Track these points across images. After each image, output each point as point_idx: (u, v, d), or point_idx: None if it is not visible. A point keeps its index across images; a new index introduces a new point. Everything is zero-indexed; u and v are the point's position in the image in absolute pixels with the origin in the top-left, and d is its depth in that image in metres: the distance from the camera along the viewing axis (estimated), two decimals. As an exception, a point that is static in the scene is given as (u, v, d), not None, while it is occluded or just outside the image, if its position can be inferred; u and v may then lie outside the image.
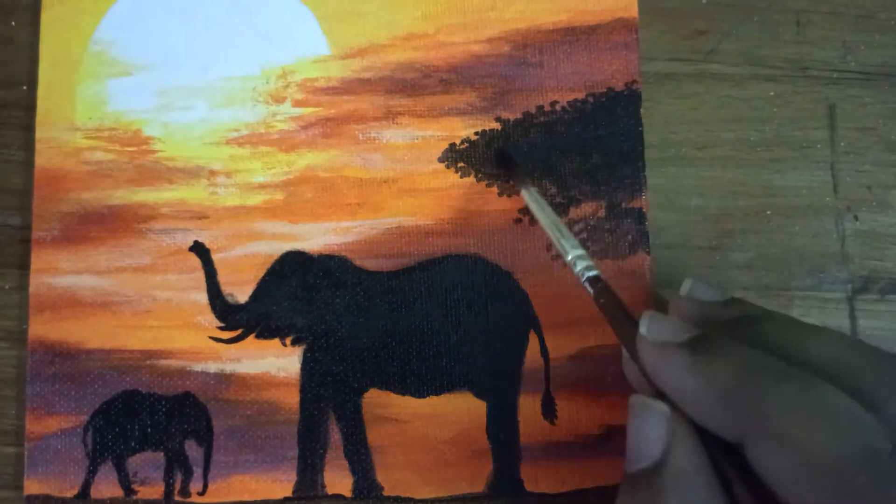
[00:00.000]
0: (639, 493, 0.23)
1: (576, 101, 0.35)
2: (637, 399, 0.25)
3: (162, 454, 0.33)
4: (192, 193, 0.35)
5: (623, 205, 0.34)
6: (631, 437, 0.24)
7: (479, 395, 0.33)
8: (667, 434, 0.23)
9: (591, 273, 0.28)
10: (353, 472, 0.33)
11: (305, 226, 0.34)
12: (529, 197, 0.32)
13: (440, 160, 0.35)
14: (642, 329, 0.25)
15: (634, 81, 0.35)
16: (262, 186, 0.35)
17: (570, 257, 0.29)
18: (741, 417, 0.21)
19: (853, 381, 0.21)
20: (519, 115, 0.35)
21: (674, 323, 0.25)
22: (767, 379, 0.21)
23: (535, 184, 0.33)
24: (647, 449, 0.23)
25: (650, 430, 0.24)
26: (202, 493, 0.33)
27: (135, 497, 0.33)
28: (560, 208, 0.34)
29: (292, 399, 0.34)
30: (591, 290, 0.28)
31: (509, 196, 0.34)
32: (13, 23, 0.36)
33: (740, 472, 0.22)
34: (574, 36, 0.35)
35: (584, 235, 0.34)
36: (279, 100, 0.35)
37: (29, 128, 0.35)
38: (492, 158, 0.34)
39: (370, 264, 0.34)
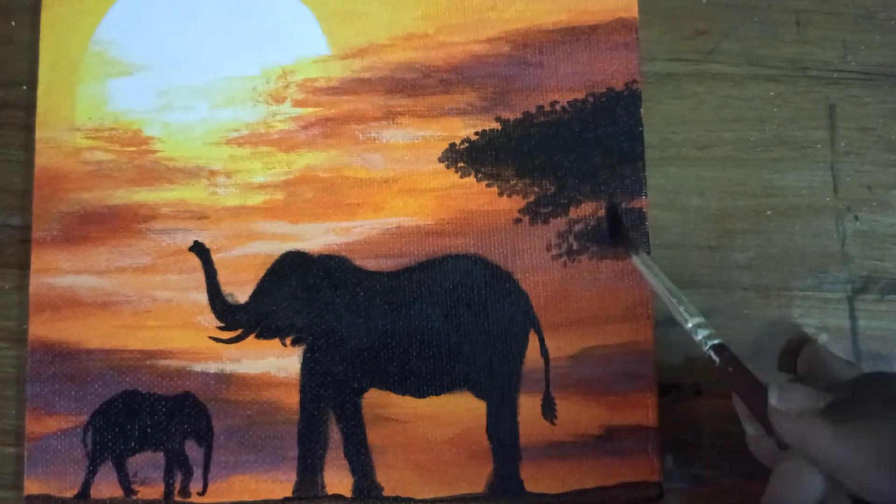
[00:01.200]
0: None
1: (576, 101, 0.35)
2: (784, 465, 0.24)
3: (162, 454, 0.33)
4: (192, 193, 0.35)
5: (623, 205, 0.34)
6: (780, 489, 0.24)
7: (479, 395, 0.33)
8: (822, 492, 0.23)
9: (715, 341, 0.28)
10: (353, 472, 0.33)
11: (305, 226, 0.34)
12: (641, 263, 0.32)
13: (440, 160, 0.35)
14: (773, 401, 0.25)
15: (634, 81, 0.35)
16: (262, 186, 0.35)
17: (689, 325, 0.29)
18: (888, 483, 0.21)
19: None
20: (519, 115, 0.35)
21: (805, 390, 0.24)
22: None
23: (644, 251, 0.33)
24: (801, 497, 0.23)
25: (805, 489, 0.23)
26: (202, 493, 0.33)
27: (135, 497, 0.33)
28: (560, 208, 0.34)
29: (292, 399, 0.34)
30: (717, 360, 0.28)
31: (510, 196, 0.34)
32: (13, 23, 0.36)
33: None
34: (574, 36, 0.35)
35: (584, 235, 0.34)
36: (279, 100, 0.35)
37: (29, 128, 0.35)
38: (606, 224, 0.34)
39: (370, 264, 0.34)
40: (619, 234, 0.33)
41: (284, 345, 0.34)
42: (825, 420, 0.23)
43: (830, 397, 0.24)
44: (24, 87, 0.36)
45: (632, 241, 0.33)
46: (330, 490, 0.33)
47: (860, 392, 0.24)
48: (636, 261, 0.32)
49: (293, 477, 0.33)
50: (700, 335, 0.29)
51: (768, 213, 0.35)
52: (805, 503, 0.23)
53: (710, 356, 0.28)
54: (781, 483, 0.24)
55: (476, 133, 0.35)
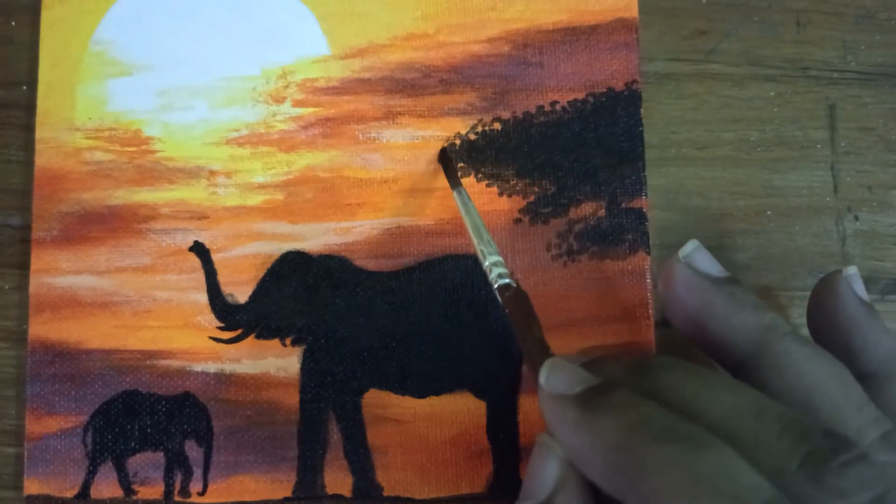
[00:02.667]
0: None
1: (576, 101, 0.35)
2: (541, 437, 0.25)
3: (162, 454, 0.33)
4: (192, 193, 0.35)
5: (623, 205, 0.34)
6: (527, 473, 0.25)
7: (479, 395, 0.33)
8: (556, 479, 0.23)
9: (503, 281, 0.28)
10: (353, 472, 0.33)
11: (305, 226, 0.34)
12: (458, 198, 0.32)
13: (440, 160, 0.35)
14: (541, 379, 0.25)
15: (634, 81, 0.35)
16: (262, 186, 0.35)
17: (486, 263, 0.29)
18: (620, 479, 0.21)
19: (753, 440, 0.21)
20: (519, 115, 0.35)
21: (571, 372, 0.24)
22: (649, 440, 0.20)
23: (463, 186, 0.33)
24: (535, 488, 0.24)
25: (543, 471, 0.24)
26: (202, 494, 0.33)
27: (135, 497, 0.33)
28: (560, 208, 0.34)
29: (292, 399, 0.34)
30: (499, 299, 0.28)
31: (509, 196, 0.34)
32: (13, 23, 0.36)
33: None
34: (574, 36, 0.35)
35: (585, 235, 0.34)
36: (279, 100, 0.35)
37: (29, 128, 0.35)
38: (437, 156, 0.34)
39: (370, 264, 0.34)
40: (448, 170, 0.34)
41: (284, 345, 0.34)
42: (573, 407, 0.23)
43: (593, 383, 0.23)
44: (24, 87, 0.36)
45: (454, 176, 0.33)
46: (330, 490, 0.33)
47: (639, 375, 0.24)
48: (455, 195, 0.32)
49: (293, 477, 0.33)
50: (493, 273, 0.29)
51: (768, 213, 0.35)
52: (542, 486, 0.23)
53: (496, 294, 0.28)
54: (531, 464, 0.24)
55: (476, 133, 0.35)
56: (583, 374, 0.24)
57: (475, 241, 0.30)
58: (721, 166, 0.35)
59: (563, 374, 0.24)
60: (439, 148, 0.34)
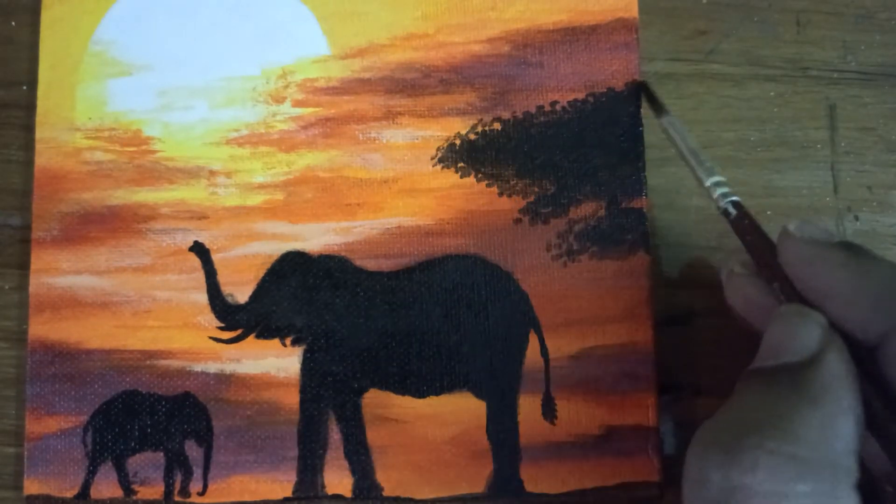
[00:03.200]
0: (784, 388, 0.22)
1: (576, 101, 0.35)
2: (792, 307, 0.24)
3: (162, 454, 0.33)
4: (192, 193, 0.35)
5: (623, 205, 0.34)
6: (776, 336, 0.24)
7: (479, 395, 0.33)
8: (821, 338, 0.23)
9: (732, 198, 0.28)
10: (353, 472, 0.33)
11: (305, 226, 0.34)
12: (668, 125, 0.32)
13: (440, 160, 0.35)
14: (792, 227, 0.25)
15: (634, 81, 0.35)
16: (262, 186, 0.35)
17: (708, 183, 0.29)
18: (887, 314, 0.22)
19: None
20: (519, 115, 0.35)
21: (824, 226, 0.25)
22: None
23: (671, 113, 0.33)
24: (796, 347, 0.23)
25: (804, 332, 0.23)
26: (202, 494, 0.33)
27: (135, 497, 0.33)
28: (560, 208, 0.34)
29: (292, 399, 0.34)
30: (733, 212, 0.28)
31: (510, 196, 0.34)
32: (13, 23, 0.36)
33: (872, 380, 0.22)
34: (574, 36, 0.35)
35: (585, 235, 0.34)
36: (279, 100, 0.35)
37: (29, 128, 0.35)
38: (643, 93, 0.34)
39: (370, 264, 0.34)
40: (653, 101, 0.34)
41: (284, 345, 0.34)
42: (840, 248, 0.24)
43: (844, 240, 0.24)
44: (24, 87, 0.36)
45: (660, 104, 0.33)
46: (330, 490, 0.33)
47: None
48: (664, 122, 0.32)
49: (293, 477, 0.33)
50: (717, 192, 0.29)
51: (768, 213, 0.35)
52: (805, 347, 0.23)
53: (726, 210, 0.28)
54: (782, 325, 0.24)
55: (476, 133, 0.35)
56: (827, 229, 0.25)
57: (692, 163, 0.30)
58: (721, 166, 0.35)
59: (819, 227, 0.25)
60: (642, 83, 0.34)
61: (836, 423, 0.21)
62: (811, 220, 0.26)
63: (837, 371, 0.22)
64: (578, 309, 0.34)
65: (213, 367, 0.34)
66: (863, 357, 0.23)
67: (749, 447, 0.21)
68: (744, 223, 0.28)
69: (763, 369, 0.23)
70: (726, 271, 0.28)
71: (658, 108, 0.33)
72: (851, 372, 0.22)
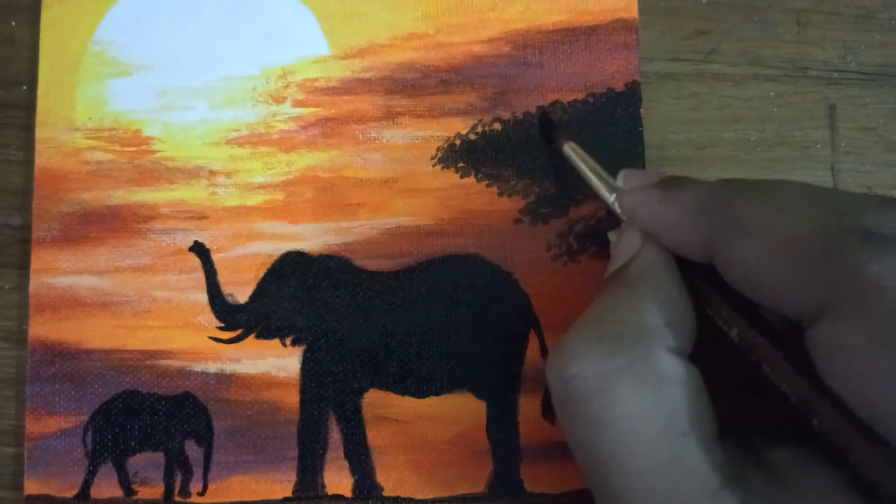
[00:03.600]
0: (611, 287, 0.24)
1: (576, 101, 0.35)
2: (621, 229, 0.27)
3: (162, 454, 0.33)
4: (192, 193, 0.35)
5: (623, 205, 0.34)
6: (610, 259, 0.26)
7: (479, 395, 0.33)
8: (640, 241, 0.25)
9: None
10: (353, 472, 0.33)
11: (305, 226, 0.34)
12: (571, 151, 0.32)
13: (440, 160, 0.35)
14: (619, 181, 0.27)
15: (634, 81, 0.35)
16: (262, 186, 0.35)
17: (611, 200, 0.29)
18: (712, 226, 0.22)
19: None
20: (519, 115, 0.35)
21: (649, 172, 0.27)
22: (733, 187, 0.23)
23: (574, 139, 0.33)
24: (619, 253, 0.25)
25: (625, 239, 0.25)
26: (202, 494, 0.33)
27: (135, 497, 0.33)
28: (560, 208, 0.34)
29: (292, 399, 0.34)
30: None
31: (510, 196, 0.34)
32: (13, 23, 0.36)
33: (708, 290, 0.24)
34: (574, 36, 0.35)
35: (585, 235, 0.34)
36: (279, 100, 0.35)
37: (29, 128, 0.35)
38: (537, 120, 0.35)
39: (370, 264, 0.34)
40: (550, 130, 0.34)
41: (284, 345, 0.34)
42: (655, 189, 0.25)
43: (665, 176, 0.26)
44: (24, 87, 0.36)
45: (561, 131, 0.33)
46: (330, 490, 0.33)
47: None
48: (566, 149, 0.32)
49: (293, 477, 0.33)
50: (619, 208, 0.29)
51: (768, 213, 0.35)
52: (627, 251, 0.25)
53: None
54: (613, 250, 0.26)
55: (476, 133, 0.35)
56: (657, 172, 0.27)
57: (595, 184, 0.30)
58: (721, 166, 0.35)
59: (640, 174, 0.27)
60: (540, 116, 0.35)
61: (643, 300, 0.23)
62: (637, 170, 0.28)
63: (647, 259, 0.24)
64: (578, 309, 0.33)
65: (213, 367, 0.34)
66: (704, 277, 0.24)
67: (568, 341, 0.23)
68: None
69: (603, 282, 0.25)
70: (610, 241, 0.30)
71: (556, 133, 0.33)
72: (663, 261, 0.24)
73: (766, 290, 0.21)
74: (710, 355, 0.23)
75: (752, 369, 0.22)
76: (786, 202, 0.21)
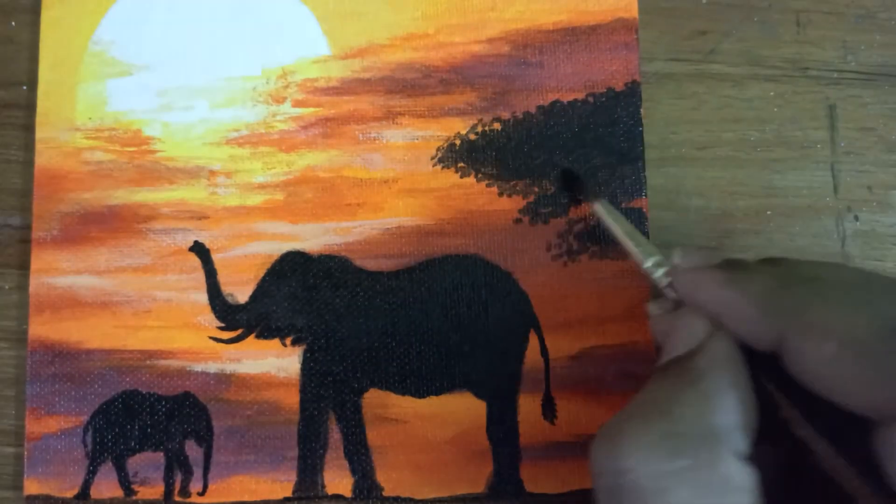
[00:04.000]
0: (674, 377, 0.23)
1: (576, 101, 0.35)
2: (684, 310, 0.25)
3: (162, 454, 0.33)
4: (192, 193, 0.35)
5: (623, 205, 0.34)
6: (669, 341, 0.25)
7: (479, 395, 0.33)
8: (705, 332, 0.24)
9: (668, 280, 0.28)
10: (353, 472, 0.33)
11: (305, 226, 0.34)
12: (602, 209, 0.32)
13: (440, 160, 0.35)
14: (675, 259, 0.26)
15: (634, 81, 0.35)
16: (262, 186, 0.35)
17: (647, 265, 0.29)
18: (779, 317, 0.22)
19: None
20: (519, 115, 0.35)
21: (705, 250, 0.26)
22: (801, 281, 0.23)
23: (604, 197, 0.33)
24: (682, 340, 0.24)
25: (690, 327, 0.24)
26: (202, 494, 0.33)
27: (135, 497, 0.33)
28: (560, 208, 0.34)
29: (292, 399, 0.34)
30: (671, 291, 0.28)
31: (510, 196, 0.34)
32: (13, 23, 0.36)
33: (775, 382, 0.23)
34: (574, 36, 0.35)
35: (585, 235, 0.34)
36: (279, 100, 0.35)
37: (29, 128, 0.35)
38: (557, 180, 0.34)
39: (370, 264, 0.34)
40: (576, 187, 0.34)
41: (284, 345, 0.34)
42: (719, 271, 0.25)
43: (727, 257, 0.26)
44: (24, 87, 0.36)
45: (590, 189, 0.33)
46: (330, 490, 0.33)
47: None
48: (597, 208, 0.32)
49: (293, 477, 0.33)
50: (658, 273, 0.29)
51: (768, 213, 0.35)
52: (691, 339, 0.24)
53: (665, 285, 0.28)
54: (673, 332, 0.25)
55: (476, 133, 0.35)
56: (715, 253, 0.26)
57: (629, 246, 0.30)
58: (721, 166, 0.35)
59: (699, 252, 0.26)
60: (561, 173, 0.34)
61: (714, 400, 0.22)
62: (694, 246, 0.27)
63: (718, 355, 0.23)
64: (578, 309, 0.34)
65: (213, 367, 0.34)
66: (763, 364, 0.23)
67: (629, 431, 0.21)
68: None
69: (658, 368, 0.24)
70: (650, 314, 0.29)
71: (585, 191, 0.33)
72: (734, 357, 0.23)
73: (837, 387, 0.21)
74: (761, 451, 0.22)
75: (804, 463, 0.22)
76: (858, 299, 0.21)
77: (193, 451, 0.33)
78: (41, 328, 0.34)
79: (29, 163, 0.35)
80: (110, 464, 0.33)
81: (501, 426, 0.33)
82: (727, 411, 0.21)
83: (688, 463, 0.20)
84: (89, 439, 0.33)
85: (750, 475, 0.21)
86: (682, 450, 0.21)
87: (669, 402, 0.22)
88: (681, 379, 0.23)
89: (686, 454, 0.21)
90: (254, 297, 0.34)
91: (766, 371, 0.23)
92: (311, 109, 0.35)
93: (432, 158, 0.35)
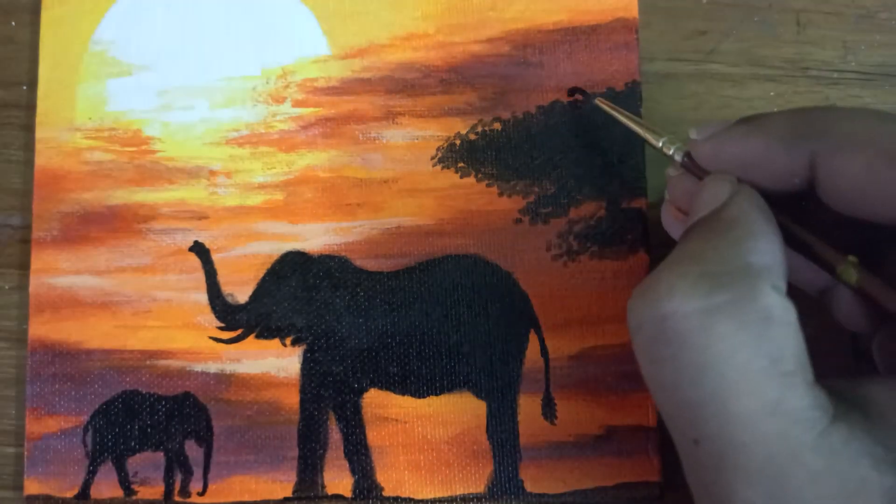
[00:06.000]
0: (703, 230, 0.23)
1: (576, 101, 0.35)
2: (708, 176, 0.25)
3: (162, 454, 0.33)
4: (192, 193, 0.35)
5: (623, 205, 0.34)
6: (696, 202, 0.25)
7: (479, 395, 0.33)
8: (731, 188, 0.24)
9: (684, 149, 0.28)
10: (353, 472, 0.33)
11: (305, 226, 0.34)
12: (603, 103, 0.32)
13: (440, 160, 0.35)
14: (693, 134, 0.26)
15: (634, 81, 0.35)
16: (262, 186, 0.35)
17: (660, 143, 0.29)
18: (811, 145, 0.23)
19: None
20: (519, 115, 0.35)
21: (716, 121, 0.26)
22: (821, 111, 0.24)
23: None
24: (708, 200, 0.24)
25: (714, 187, 0.24)
26: (202, 494, 0.33)
27: (135, 497, 0.33)
28: (560, 208, 0.34)
29: (292, 399, 0.34)
30: (684, 160, 0.28)
31: (510, 196, 0.34)
32: (13, 23, 0.36)
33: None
34: (574, 36, 0.35)
35: (585, 235, 0.34)
36: (279, 100, 0.35)
37: (29, 128, 0.35)
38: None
39: (370, 264, 0.34)
40: (576, 93, 0.35)
41: (284, 345, 0.34)
42: (739, 125, 0.25)
43: (740, 117, 0.26)
44: (24, 87, 0.36)
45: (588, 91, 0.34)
46: (330, 490, 0.33)
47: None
48: (599, 102, 0.32)
49: (293, 477, 0.33)
50: (672, 150, 0.28)
51: (768, 213, 0.35)
52: (716, 198, 0.24)
53: (681, 160, 0.28)
54: (697, 198, 0.25)
55: (476, 133, 0.35)
56: (729, 121, 0.26)
57: (640, 131, 0.30)
58: (721, 166, 0.35)
59: (713, 123, 0.26)
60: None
61: (748, 243, 0.22)
62: (708, 121, 0.27)
63: (745, 205, 0.23)
64: (578, 309, 0.34)
65: (213, 367, 0.34)
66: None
67: (663, 278, 0.21)
68: (693, 164, 0.28)
69: (687, 229, 0.24)
70: (667, 178, 0.29)
71: (587, 93, 0.34)
72: (761, 205, 0.23)
73: (874, 200, 0.21)
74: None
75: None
76: (881, 116, 0.22)
77: (193, 451, 0.33)
78: (41, 328, 0.34)
79: (29, 163, 0.35)
80: (110, 464, 0.33)
81: (501, 426, 0.33)
82: (762, 252, 0.21)
83: (728, 297, 0.20)
84: (89, 439, 0.33)
85: (791, 308, 0.21)
86: (721, 286, 0.20)
87: (704, 249, 0.22)
88: (712, 230, 0.23)
89: (725, 289, 0.20)
90: (254, 297, 0.34)
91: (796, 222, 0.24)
92: (311, 109, 0.35)
93: (432, 158, 0.35)
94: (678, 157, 0.28)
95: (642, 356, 0.22)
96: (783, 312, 0.20)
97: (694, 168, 0.27)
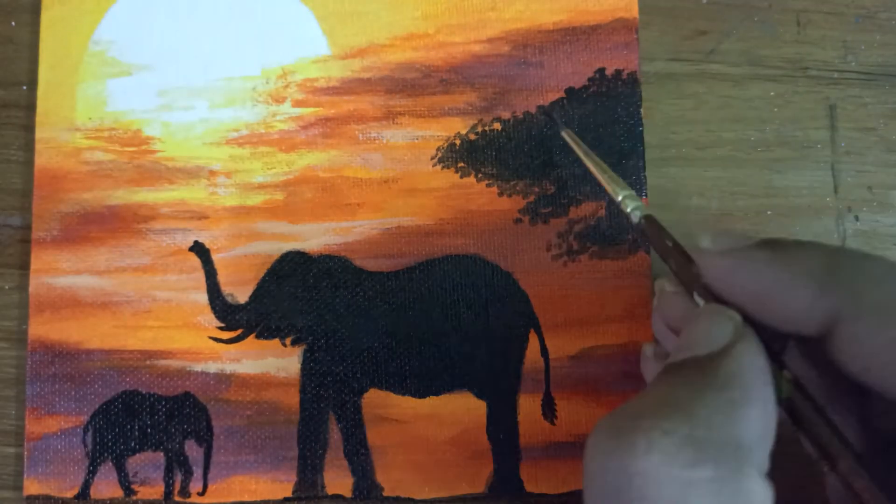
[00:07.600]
0: (692, 377, 0.21)
1: (576, 100, 0.35)
2: (708, 305, 0.23)
3: (162, 454, 0.33)
4: (192, 193, 0.35)
5: (623, 205, 0.34)
6: (689, 333, 0.22)
7: (479, 395, 0.33)
8: (733, 332, 0.21)
9: (644, 213, 0.27)
10: (353, 472, 0.33)
11: (305, 226, 0.34)
12: (570, 138, 0.32)
13: (440, 160, 0.35)
14: (705, 243, 0.24)
15: (635, 82, 0.35)
16: (262, 186, 0.35)
17: (619, 198, 0.28)
18: (834, 298, 0.21)
19: None
20: (519, 115, 0.35)
21: (737, 234, 0.24)
22: (854, 259, 0.21)
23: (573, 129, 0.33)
24: (706, 339, 0.22)
25: (716, 326, 0.22)
26: (202, 494, 0.33)
27: (135, 497, 0.33)
28: (560, 208, 0.34)
29: (292, 399, 0.34)
30: (642, 226, 0.27)
31: (510, 196, 0.34)
32: (13, 23, 0.36)
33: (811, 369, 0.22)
34: (574, 36, 0.35)
35: (585, 235, 0.34)
36: (279, 100, 0.35)
37: (29, 128, 0.35)
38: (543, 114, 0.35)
39: (370, 264, 0.34)
40: (550, 119, 0.34)
41: (284, 345, 0.34)
42: (760, 248, 0.22)
43: (762, 238, 0.23)
44: (24, 87, 0.36)
45: (558, 120, 0.34)
46: (330, 490, 0.33)
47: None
48: (565, 136, 0.32)
49: (293, 477, 0.33)
50: (629, 206, 0.28)
51: (768, 213, 0.35)
52: (716, 340, 0.22)
53: (639, 225, 0.27)
54: (696, 322, 0.23)
55: (476, 133, 0.35)
56: (743, 236, 0.24)
57: (602, 178, 0.29)
58: (721, 166, 0.35)
59: (731, 235, 0.24)
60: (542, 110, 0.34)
61: (741, 409, 0.20)
62: (724, 231, 0.25)
63: (747, 362, 0.21)
64: (578, 309, 0.34)
65: (213, 367, 0.34)
66: (805, 352, 0.23)
67: (644, 429, 0.19)
68: (657, 233, 0.27)
69: (674, 363, 0.22)
70: (658, 292, 0.27)
71: (557, 124, 0.33)
72: (762, 365, 0.21)
73: (892, 374, 0.20)
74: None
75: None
76: None
77: (193, 451, 0.33)
78: (41, 328, 0.34)
79: (29, 163, 0.35)
80: (110, 464, 0.33)
81: (501, 426, 0.33)
82: (754, 423, 0.20)
83: (711, 474, 0.18)
84: (89, 439, 0.33)
85: (770, 495, 0.19)
86: (706, 459, 0.18)
87: (693, 403, 0.20)
88: (705, 381, 0.20)
89: (710, 465, 0.18)
90: (254, 297, 0.34)
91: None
92: (311, 109, 0.35)
93: (432, 158, 0.35)
94: (635, 219, 0.27)
95: (593, 500, 0.20)
96: (764, 498, 0.19)
97: (672, 259, 0.26)
